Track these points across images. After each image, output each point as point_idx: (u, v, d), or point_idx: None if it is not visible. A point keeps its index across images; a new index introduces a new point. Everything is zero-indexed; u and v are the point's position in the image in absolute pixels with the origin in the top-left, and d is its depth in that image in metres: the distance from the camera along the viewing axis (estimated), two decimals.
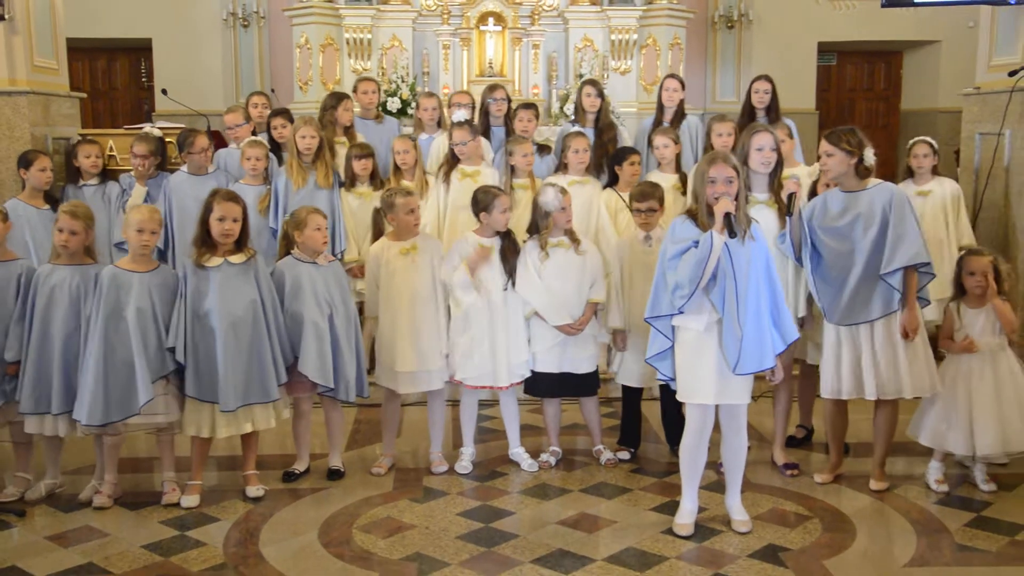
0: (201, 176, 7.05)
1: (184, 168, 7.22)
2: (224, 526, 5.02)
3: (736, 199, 4.61)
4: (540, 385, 5.80)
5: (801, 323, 5.49)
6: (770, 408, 5.89)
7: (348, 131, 7.63)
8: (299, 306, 5.43)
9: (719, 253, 4.57)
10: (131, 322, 5.07)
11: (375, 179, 7.13)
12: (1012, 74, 7.17)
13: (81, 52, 12.80)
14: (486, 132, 7.59)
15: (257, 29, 13.34)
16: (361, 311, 6.02)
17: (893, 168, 13.87)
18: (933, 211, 6.96)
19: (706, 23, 13.74)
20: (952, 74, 12.99)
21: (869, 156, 5.29)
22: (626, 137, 8.25)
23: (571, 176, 6.72)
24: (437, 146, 7.53)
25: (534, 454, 5.88)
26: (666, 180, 6.76)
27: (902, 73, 14.83)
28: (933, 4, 8.24)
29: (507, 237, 5.71)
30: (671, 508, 5.08)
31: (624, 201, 6.55)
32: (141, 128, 7.97)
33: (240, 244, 5.29)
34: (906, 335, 5.22)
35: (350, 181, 7.07)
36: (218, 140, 8.42)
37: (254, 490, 5.39)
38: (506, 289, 5.64)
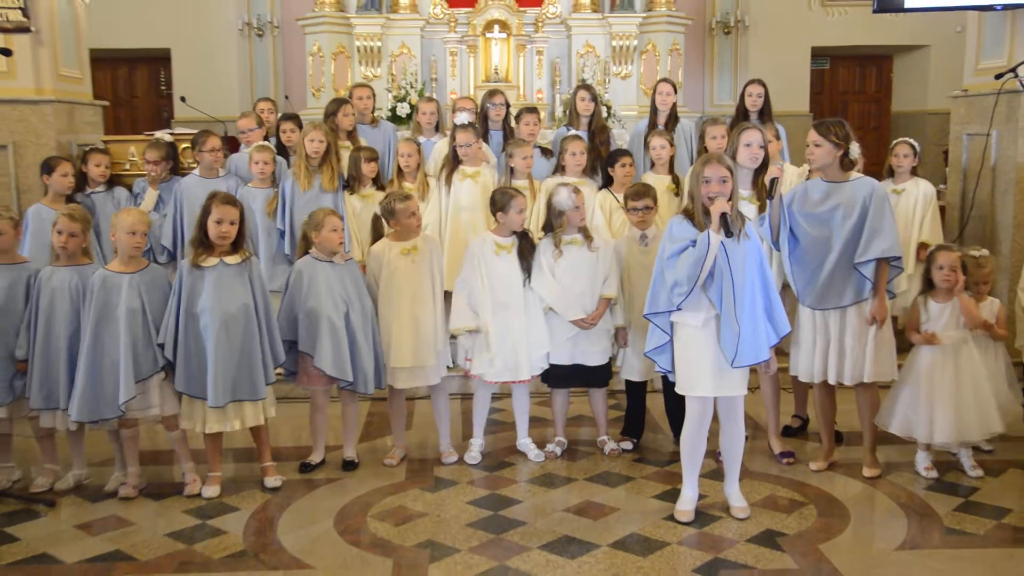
0: (212, 179, 7.07)
1: (196, 171, 7.25)
2: (244, 515, 5.06)
3: (730, 199, 4.63)
4: (553, 376, 5.83)
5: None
6: (764, 399, 5.91)
7: (351, 135, 7.66)
8: (316, 303, 5.46)
9: (716, 252, 4.60)
10: (121, 322, 5.09)
11: (377, 181, 7.15)
12: (999, 77, 7.17)
13: (103, 62, 12.84)
14: (485, 136, 7.60)
15: (271, 38, 13.37)
16: None
17: (862, 164, 13.84)
18: (904, 210, 6.98)
19: (704, 29, 13.74)
20: (941, 77, 12.99)
21: (855, 150, 5.32)
22: (624, 139, 8.25)
23: (568, 178, 6.73)
24: (438, 149, 7.54)
25: (540, 445, 5.90)
26: (660, 181, 6.78)
27: (892, 76, 14.80)
28: (922, 10, 8.23)
29: (524, 237, 5.72)
30: (672, 496, 5.11)
31: (619, 202, 6.57)
32: (155, 132, 8.02)
33: (236, 246, 5.30)
34: (874, 322, 5.26)
35: (356, 183, 7.08)
36: (234, 145, 8.45)
37: (272, 481, 5.42)
38: (525, 286, 5.66)
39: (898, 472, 5.52)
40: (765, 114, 7.52)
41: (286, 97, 12.78)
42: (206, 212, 5.19)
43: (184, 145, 7.94)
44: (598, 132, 7.64)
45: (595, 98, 7.74)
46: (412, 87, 11.61)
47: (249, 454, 5.74)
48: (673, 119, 7.82)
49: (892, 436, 5.52)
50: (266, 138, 7.80)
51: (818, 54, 14.09)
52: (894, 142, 7.23)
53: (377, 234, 5.97)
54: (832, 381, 5.39)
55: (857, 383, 5.37)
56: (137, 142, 8.14)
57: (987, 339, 5.57)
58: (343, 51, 12.02)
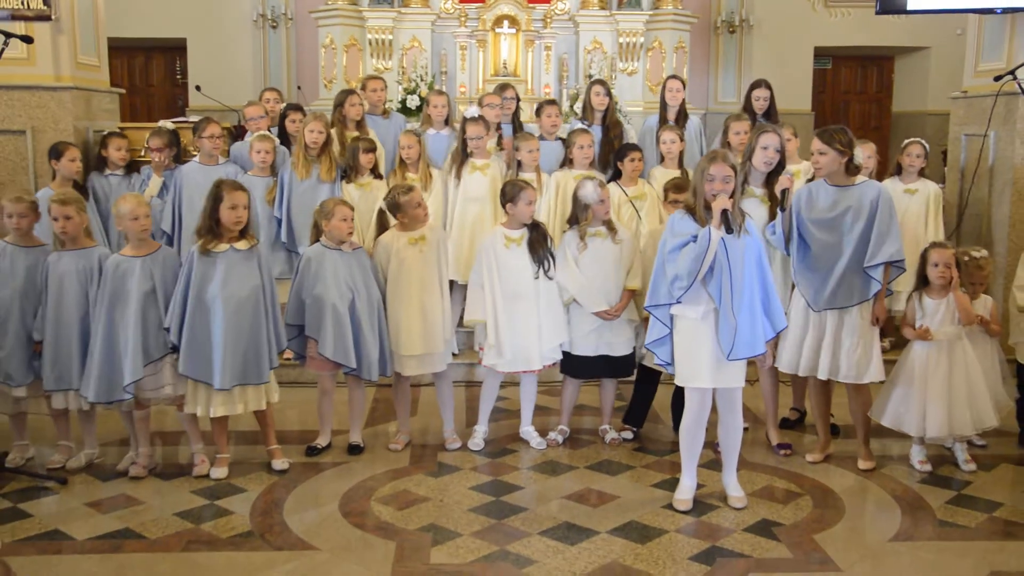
0: (213, 166, 7.04)
1: (196, 158, 7.23)
2: (251, 496, 5.06)
3: (732, 196, 4.61)
4: (577, 367, 5.81)
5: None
6: (763, 392, 5.90)
7: (360, 125, 7.63)
8: (321, 290, 5.45)
9: (716, 247, 4.58)
10: (133, 305, 5.09)
11: (375, 171, 7.12)
12: (997, 79, 7.13)
13: (120, 51, 12.81)
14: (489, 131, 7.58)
15: (285, 30, 13.33)
16: None
17: (885, 167, 13.82)
18: (917, 209, 6.97)
19: (709, 28, 13.69)
20: (941, 78, 12.94)
21: (859, 155, 5.30)
22: (632, 135, 8.23)
23: (576, 170, 6.72)
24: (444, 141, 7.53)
25: (542, 433, 5.89)
26: (669, 176, 6.76)
27: (894, 77, 14.74)
28: (924, 12, 8.19)
29: (535, 228, 5.70)
30: (671, 485, 5.10)
31: (626, 195, 6.55)
32: (159, 123, 8.02)
33: (243, 232, 5.30)
34: (875, 322, 5.24)
35: (353, 172, 7.05)
36: (242, 133, 8.42)
37: (279, 463, 5.42)
38: (537, 278, 5.64)
39: (892, 465, 5.50)
40: (771, 115, 7.50)
41: (299, 88, 12.75)
42: (217, 199, 5.17)
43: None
44: (612, 126, 7.63)
45: (609, 93, 7.74)
46: (422, 80, 11.57)
47: (257, 437, 5.73)
48: (682, 115, 7.81)
49: (887, 430, 5.50)
50: (269, 128, 7.78)
51: (820, 54, 14.04)
52: (906, 141, 7.20)
53: (382, 228, 5.94)
54: (823, 377, 5.36)
55: (852, 381, 5.34)
56: (153, 129, 8.14)
57: (982, 335, 5.55)
58: (355, 44, 11.98)
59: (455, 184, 7.02)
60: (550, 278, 5.65)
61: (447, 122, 7.89)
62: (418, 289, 5.65)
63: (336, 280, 5.48)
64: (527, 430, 5.89)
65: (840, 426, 5.92)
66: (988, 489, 5.18)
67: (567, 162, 6.94)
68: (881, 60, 14.64)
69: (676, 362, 4.84)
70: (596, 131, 7.52)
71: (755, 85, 7.67)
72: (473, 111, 7.31)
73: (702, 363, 4.74)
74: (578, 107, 11.26)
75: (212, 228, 5.20)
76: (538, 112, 7.56)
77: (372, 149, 7.04)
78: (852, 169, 5.28)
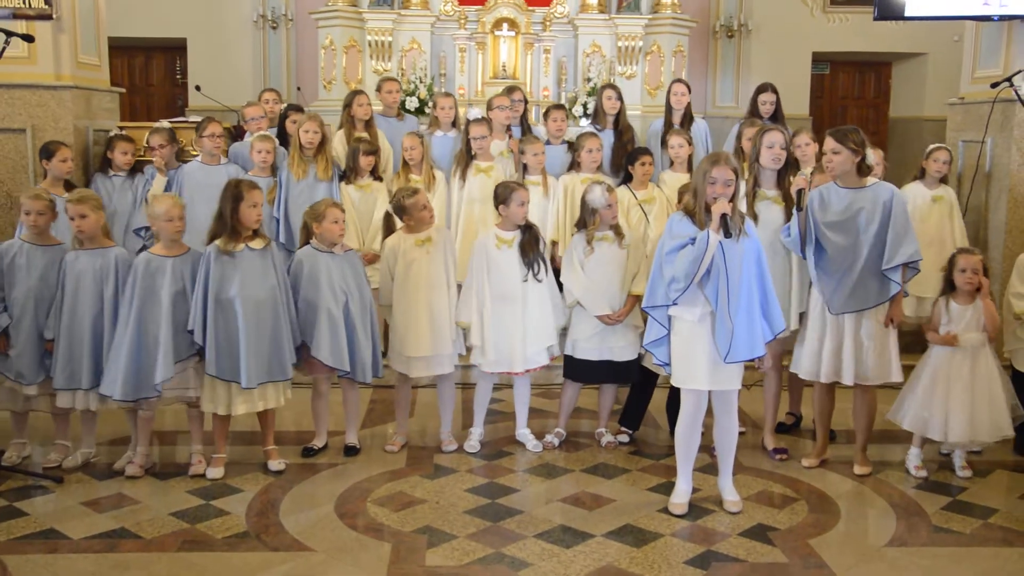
0: (214, 166, 7.03)
1: (198, 158, 7.22)
2: (246, 497, 5.04)
3: (732, 200, 4.59)
4: (580, 370, 5.79)
5: (801, 317, 5.49)
6: (760, 395, 5.89)
7: (368, 126, 7.62)
8: (315, 294, 5.43)
9: (714, 251, 4.56)
10: (164, 304, 5.09)
11: (375, 172, 7.11)
12: (994, 86, 7.13)
13: (121, 50, 12.77)
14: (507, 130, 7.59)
15: (285, 31, 13.32)
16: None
17: (882, 171, 13.80)
18: (941, 215, 6.98)
19: (708, 32, 13.68)
20: (938, 85, 12.93)
21: (870, 156, 5.29)
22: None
23: (584, 174, 6.71)
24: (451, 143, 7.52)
25: (539, 435, 5.87)
26: (678, 179, 6.77)
27: (891, 83, 14.74)
28: (922, 19, 8.19)
29: (528, 231, 5.68)
30: (667, 488, 5.08)
31: (636, 198, 6.55)
32: (163, 121, 8.01)
33: (256, 231, 5.30)
34: (888, 324, 5.23)
35: (353, 173, 7.04)
36: (240, 133, 8.42)
37: (275, 464, 5.40)
38: (526, 280, 5.62)
39: (888, 471, 5.49)
40: (777, 119, 7.50)
41: (298, 88, 12.75)
42: (238, 199, 5.17)
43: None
44: (624, 131, 7.64)
45: (621, 97, 7.74)
46: (421, 82, 11.57)
47: (253, 437, 5.72)
48: (688, 118, 7.81)
49: (884, 435, 5.50)
50: (268, 128, 7.77)
51: (819, 59, 14.04)
52: (932, 147, 7.19)
53: (389, 230, 5.93)
54: (848, 382, 5.32)
55: (858, 383, 5.32)
56: (152, 128, 8.13)
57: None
58: (355, 45, 11.96)
59: (459, 186, 7.02)
60: (539, 281, 5.64)
61: (454, 124, 7.89)
62: (425, 291, 5.63)
63: (330, 283, 5.46)
64: (523, 433, 5.87)
65: (836, 431, 5.90)
66: (983, 495, 5.17)
67: (575, 165, 6.94)
68: (879, 66, 14.64)
69: (672, 363, 4.83)
70: (608, 135, 7.53)
71: (761, 89, 7.68)
72: (476, 112, 7.31)
73: (698, 365, 4.73)
74: (577, 110, 11.29)
75: (233, 227, 5.19)
76: (546, 115, 7.58)
77: (372, 151, 7.03)
78: (864, 170, 5.26)
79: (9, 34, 5.80)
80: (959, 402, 5.28)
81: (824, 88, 14.68)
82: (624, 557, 4.37)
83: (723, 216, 4.53)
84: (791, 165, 5.59)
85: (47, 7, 7.37)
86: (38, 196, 5.41)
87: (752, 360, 4.80)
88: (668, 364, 4.86)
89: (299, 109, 7.90)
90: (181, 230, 5.24)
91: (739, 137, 6.67)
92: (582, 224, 5.72)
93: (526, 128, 7.63)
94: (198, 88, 10.77)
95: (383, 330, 6.01)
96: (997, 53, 7.65)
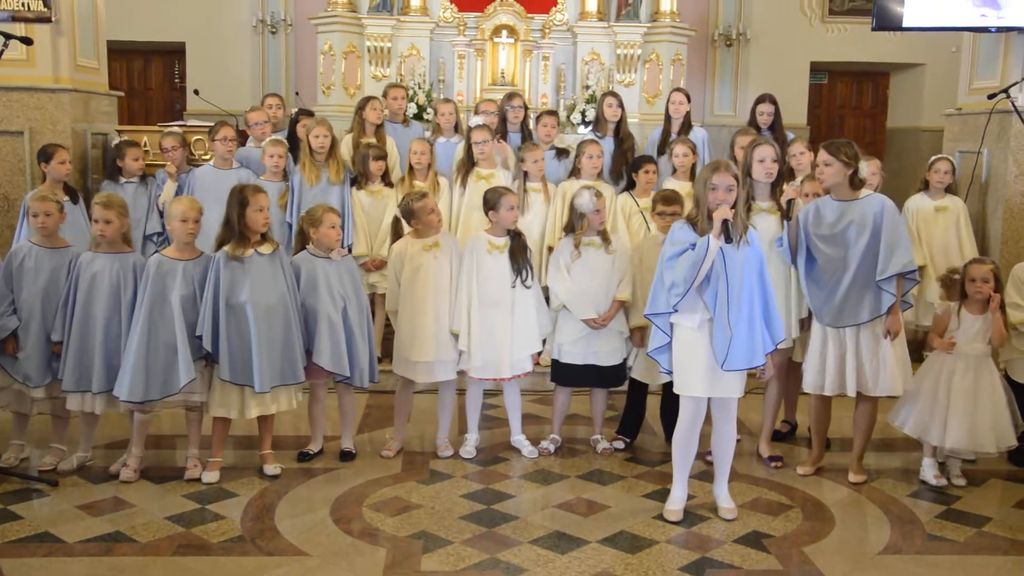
0: (226, 170, 7.06)
1: (211, 162, 7.24)
2: (242, 501, 5.04)
3: (734, 206, 4.61)
4: (566, 374, 5.81)
5: (802, 324, 5.51)
6: (757, 403, 5.91)
7: (379, 131, 7.65)
8: (314, 300, 5.44)
9: (714, 256, 4.58)
10: (175, 307, 5.10)
11: (386, 178, 7.14)
12: (991, 97, 7.17)
13: (119, 53, 12.78)
14: (503, 138, 7.61)
15: (284, 36, 13.35)
16: (373, 302, 6.02)
17: (879, 181, 13.82)
18: (947, 226, 7.00)
19: (706, 40, 13.72)
20: (935, 95, 12.98)
21: (863, 168, 5.31)
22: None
23: (584, 180, 6.73)
24: (460, 150, 7.54)
25: (535, 441, 5.88)
26: (682, 187, 6.80)
27: (889, 93, 14.79)
28: (919, 29, 8.23)
29: (517, 237, 5.70)
30: (662, 495, 5.09)
31: (638, 205, 6.57)
32: (172, 124, 8.04)
33: (264, 235, 5.31)
34: (886, 335, 5.24)
35: (364, 179, 7.07)
36: (242, 139, 8.45)
37: (271, 468, 5.40)
38: (514, 287, 5.64)
39: (883, 479, 5.50)
40: (775, 130, 7.53)
41: (296, 93, 12.76)
42: (243, 204, 5.18)
43: (196, 137, 7.98)
44: (625, 138, 7.66)
45: (622, 104, 7.76)
46: (420, 88, 11.60)
47: (249, 442, 5.72)
48: (686, 127, 7.84)
49: (880, 444, 5.51)
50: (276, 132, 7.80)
51: (817, 68, 14.08)
52: (934, 158, 7.22)
53: (396, 235, 5.95)
54: (851, 394, 5.32)
55: (860, 394, 5.34)
56: (151, 132, 8.17)
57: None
58: (354, 50, 11.99)
59: (460, 192, 7.04)
60: (527, 287, 5.65)
61: (456, 129, 7.92)
62: (432, 295, 5.63)
63: (328, 289, 5.47)
64: (518, 439, 5.88)
65: (832, 439, 5.92)
66: (977, 504, 5.18)
67: (575, 171, 6.96)
68: (877, 76, 14.69)
69: (673, 370, 4.84)
70: (608, 143, 7.55)
71: (760, 100, 7.71)
72: (478, 119, 7.35)
73: (697, 372, 4.74)
74: (576, 117, 11.32)
75: (242, 232, 5.20)
76: (536, 121, 7.59)
77: (382, 156, 7.06)
78: (856, 183, 5.28)
79: (8, 37, 5.82)
80: (959, 410, 5.30)
81: (822, 97, 14.72)
82: (619, 564, 4.38)
83: (724, 222, 4.55)
84: (784, 175, 5.61)
85: (46, 10, 7.39)
86: (45, 198, 5.42)
87: (752, 369, 4.81)
88: (672, 372, 4.88)
89: (310, 113, 7.92)
90: (194, 233, 5.24)
91: (732, 146, 6.69)
92: (570, 228, 5.74)
93: (526, 135, 7.66)
94: (197, 92, 10.80)
95: (381, 335, 6.02)
96: (994, 64, 7.70)
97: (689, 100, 8.00)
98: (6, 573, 4.18)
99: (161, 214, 7.03)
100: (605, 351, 5.73)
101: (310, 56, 12.69)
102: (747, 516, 4.94)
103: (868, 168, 6.00)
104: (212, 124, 7.46)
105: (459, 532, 4.69)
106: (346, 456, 5.68)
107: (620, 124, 7.72)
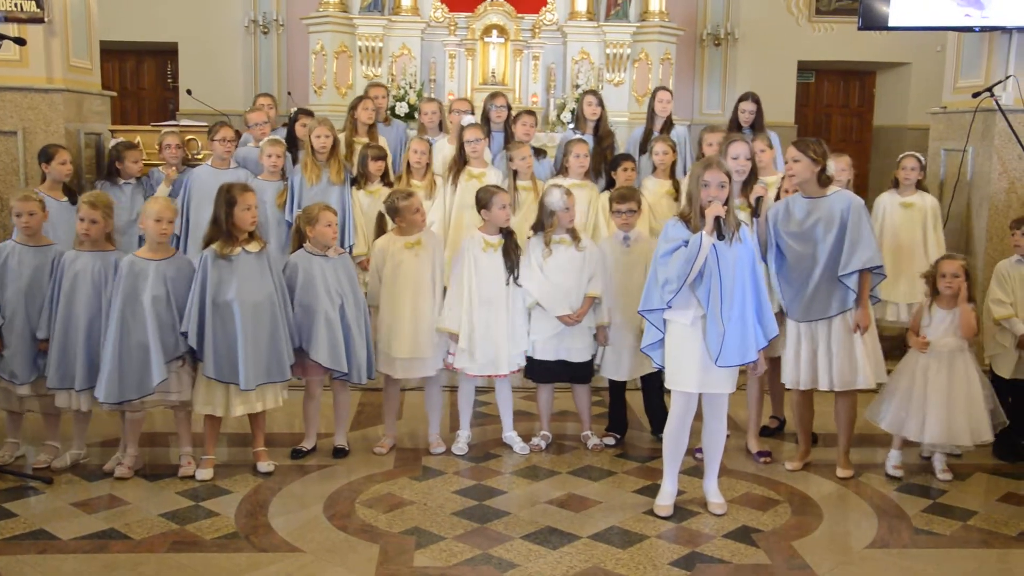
0: (224, 170, 7.05)
1: (208, 162, 7.24)
2: (236, 498, 5.03)
3: (727, 203, 4.63)
4: (538, 371, 5.81)
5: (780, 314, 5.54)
6: (746, 400, 5.91)
7: (371, 131, 7.64)
8: (311, 298, 5.43)
9: (707, 252, 4.59)
10: (147, 307, 5.07)
11: (385, 178, 7.13)
12: (976, 95, 7.19)
13: (112, 53, 12.77)
14: (487, 137, 7.60)
15: (276, 36, 13.34)
16: None
17: (864, 179, 13.90)
18: (912, 222, 7.00)
19: (695, 40, 13.75)
20: (921, 94, 13.04)
21: (831, 166, 5.35)
22: (618, 145, 8.27)
23: (571, 179, 6.73)
24: (441, 149, 7.53)
25: (526, 438, 5.88)
26: (660, 186, 6.81)
27: (875, 92, 14.84)
28: (905, 29, 8.25)
29: (509, 235, 5.71)
30: (652, 490, 5.10)
31: None
32: (166, 124, 8.02)
33: (252, 234, 5.31)
34: (856, 329, 5.26)
35: (363, 179, 7.07)
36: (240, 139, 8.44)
37: (264, 465, 5.40)
38: (508, 284, 5.64)
39: (870, 474, 5.52)
40: (757, 127, 7.54)
41: (288, 93, 12.76)
42: (231, 203, 5.16)
43: (189, 137, 7.96)
44: (605, 136, 7.66)
45: (602, 103, 7.76)
46: (411, 87, 11.59)
47: (242, 439, 5.71)
48: (669, 125, 7.84)
49: (866, 439, 5.53)
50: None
51: (804, 68, 14.13)
52: (901, 156, 7.25)
53: (380, 231, 5.94)
54: (824, 388, 5.36)
55: (839, 389, 5.36)
56: (144, 132, 8.16)
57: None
58: (345, 50, 11.99)
59: (452, 191, 7.03)
60: (519, 285, 5.66)
61: (440, 128, 7.91)
62: (412, 293, 5.64)
63: (326, 286, 5.47)
64: (510, 435, 5.88)
65: (819, 434, 5.94)
66: (963, 498, 5.20)
67: (562, 170, 6.95)
68: (863, 75, 14.73)
69: (665, 365, 4.85)
70: (588, 141, 7.54)
71: (743, 98, 7.72)
72: (470, 117, 7.34)
73: (689, 368, 4.74)
74: (566, 116, 11.33)
75: (229, 231, 5.19)
76: (515, 120, 7.58)
77: (382, 156, 7.05)
78: (824, 180, 5.32)
79: (1, 37, 5.79)
80: (936, 404, 5.32)
81: (809, 96, 14.76)
82: (610, 558, 4.39)
83: (716, 219, 4.56)
84: (756, 174, 5.64)
85: (39, 11, 7.36)
86: (28, 197, 5.41)
87: (745, 365, 4.83)
88: (663, 367, 4.89)
89: (309, 113, 7.90)
90: (167, 233, 5.23)
91: (700, 144, 6.68)
92: (539, 227, 5.74)
93: (509, 134, 7.65)
94: (189, 92, 10.77)
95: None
96: (979, 63, 7.71)
97: (672, 98, 8.00)
98: (1, 570, 4.17)
99: None
100: (577, 348, 5.73)
101: (302, 56, 12.69)
102: (736, 511, 4.95)
103: (836, 165, 6.01)
104: (205, 124, 7.44)
105: (451, 528, 4.69)
106: (339, 453, 5.67)
107: (600, 122, 7.71)
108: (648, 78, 12.15)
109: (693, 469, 5.37)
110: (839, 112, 14.97)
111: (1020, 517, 4.96)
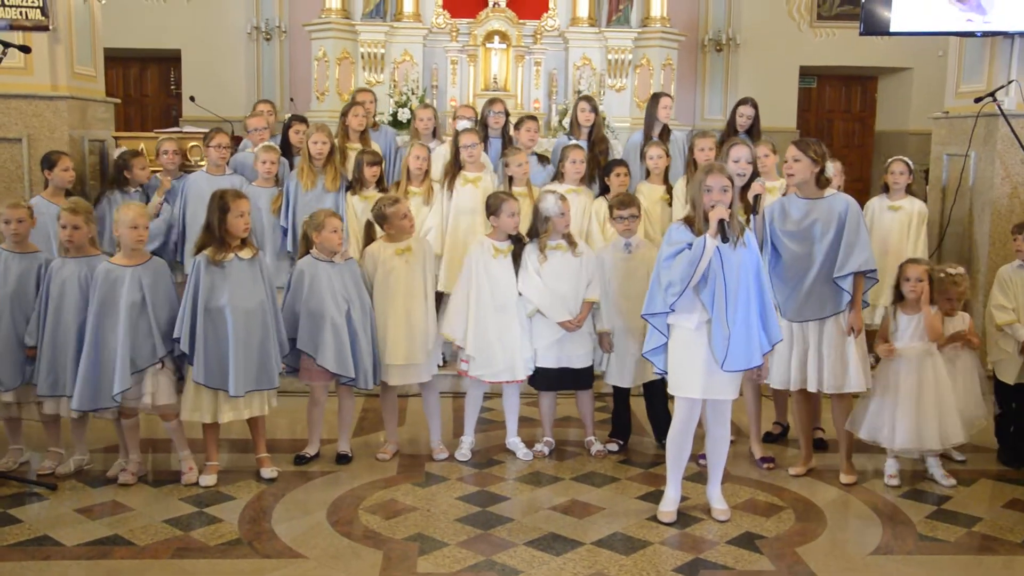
0: (219, 176, 7.03)
1: (204, 168, 7.23)
2: (239, 504, 5.03)
3: (730, 207, 4.62)
4: (540, 379, 5.79)
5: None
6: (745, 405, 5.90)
7: (363, 136, 7.63)
8: (318, 304, 5.43)
9: (710, 255, 4.58)
10: (122, 314, 5.06)
11: (380, 184, 7.12)
12: (978, 100, 7.18)
13: (115, 61, 12.77)
14: (484, 142, 7.59)
15: (279, 42, 13.35)
16: None
17: (867, 184, 13.90)
18: (900, 226, 6.98)
19: (696, 45, 13.74)
20: (923, 99, 13.02)
21: (830, 168, 5.35)
22: (618, 150, 8.25)
23: (567, 185, 6.71)
24: (440, 155, 7.52)
25: (529, 444, 5.87)
26: (655, 190, 6.80)
27: (877, 97, 14.83)
28: (906, 34, 8.24)
29: (518, 241, 5.70)
30: (656, 497, 5.09)
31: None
32: (169, 131, 8.02)
33: (244, 241, 5.30)
34: (849, 332, 5.26)
35: (359, 184, 7.05)
36: (239, 144, 8.44)
37: (268, 472, 5.39)
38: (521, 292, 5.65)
39: (874, 479, 5.50)
40: (754, 133, 7.52)
41: (291, 100, 12.77)
42: (224, 210, 5.15)
43: (192, 143, 7.98)
44: (598, 142, 7.63)
45: (595, 109, 7.75)
46: (413, 93, 11.59)
47: (245, 445, 5.70)
48: (666, 131, 7.82)
49: (869, 445, 5.51)
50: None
51: (806, 73, 14.12)
52: (890, 160, 7.23)
53: (369, 238, 5.94)
54: (812, 389, 5.37)
55: (834, 392, 5.36)
56: (147, 139, 8.16)
57: (966, 351, 5.58)
58: (347, 57, 11.99)
59: (447, 196, 7.02)
60: (519, 292, 5.66)
61: (435, 134, 7.90)
62: (404, 299, 5.63)
63: (332, 292, 5.47)
64: (513, 441, 5.87)
65: (826, 440, 5.92)
66: (968, 504, 5.19)
67: (559, 176, 6.94)
68: (865, 80, 14.72)
69: (669, 371, 4.84)
70: (583, 146, 7.52)
71: (741, 102, 7.70)
72: (465, 122, 7.32)
73: (693, 373, 4.73)
74: (567, 122, 11.31)
75: (220, 239, 5.18)
76: (518, 126, 7.58)
77: (377, 162, 7.04)
78: (823, 182, 5.32)
79: (6, 45, 5.80)
80: (904, 410, 5.31)
81: (811, 101, 14.75)
82: (613, 565, 4.37)
83: (720, 222, 4.56)
84: (754, 177, 5.63)
85: (43, 18, 7.37)
86: (17, 204, 5.41)
87: (751, 370, 4.82)
88: (667, 373, 4.87)
89: (302, 120, 7.89)
90: (143, 239, 5.21)
91: (691, 149, 6.67)
92: (534, 233, 5.73)
93: (507, 140, 7.64)
94: (192, 99, 10.78)
95: None
96: (980, 68, 7.71)
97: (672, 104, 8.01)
98: None
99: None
100: (578, 354, 5.73)
101: (304, 62, 12.69)
102: (740, 517, 4.94)
103: (832, 169, 6.01)
104: (207, 131, 7.44)
105: (455, 534, 4.68)
106: (342, 459, 5.66)
107: (593, 128, 7.70)
108: (650, 84, 12.14)
109: (696, 475, 5.36)
110: (841, 117, 14.96)
111: None
